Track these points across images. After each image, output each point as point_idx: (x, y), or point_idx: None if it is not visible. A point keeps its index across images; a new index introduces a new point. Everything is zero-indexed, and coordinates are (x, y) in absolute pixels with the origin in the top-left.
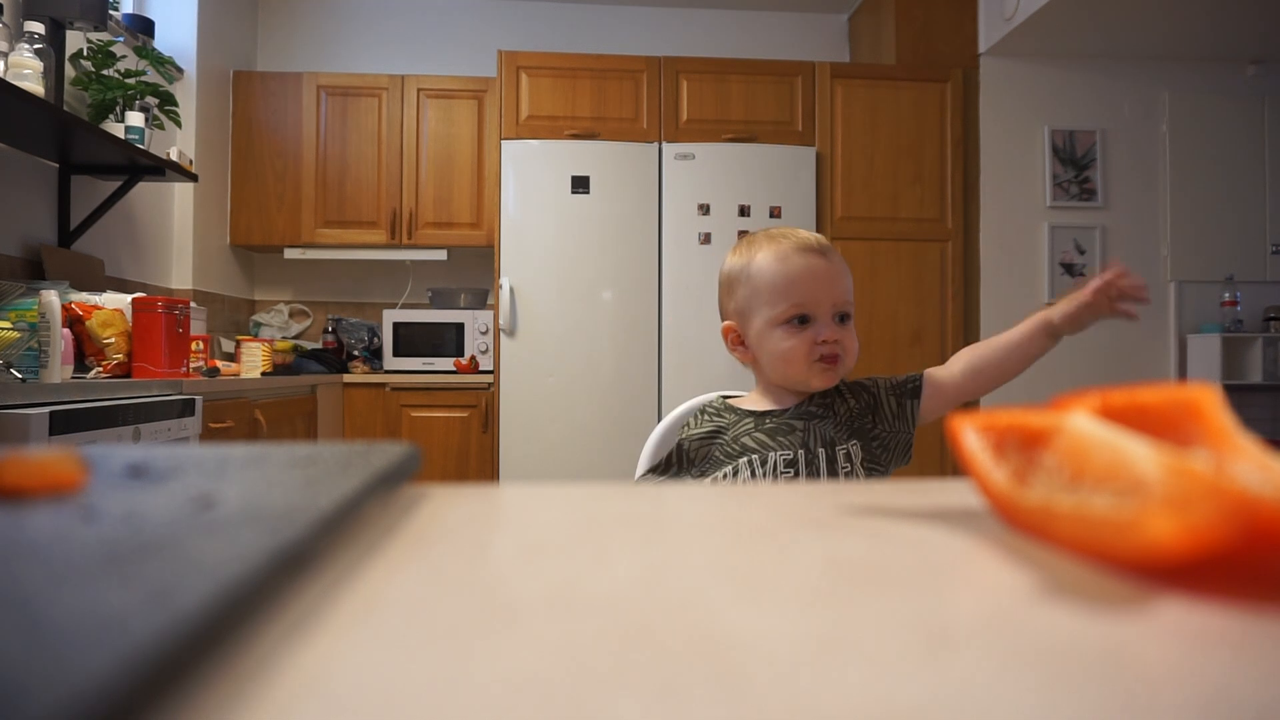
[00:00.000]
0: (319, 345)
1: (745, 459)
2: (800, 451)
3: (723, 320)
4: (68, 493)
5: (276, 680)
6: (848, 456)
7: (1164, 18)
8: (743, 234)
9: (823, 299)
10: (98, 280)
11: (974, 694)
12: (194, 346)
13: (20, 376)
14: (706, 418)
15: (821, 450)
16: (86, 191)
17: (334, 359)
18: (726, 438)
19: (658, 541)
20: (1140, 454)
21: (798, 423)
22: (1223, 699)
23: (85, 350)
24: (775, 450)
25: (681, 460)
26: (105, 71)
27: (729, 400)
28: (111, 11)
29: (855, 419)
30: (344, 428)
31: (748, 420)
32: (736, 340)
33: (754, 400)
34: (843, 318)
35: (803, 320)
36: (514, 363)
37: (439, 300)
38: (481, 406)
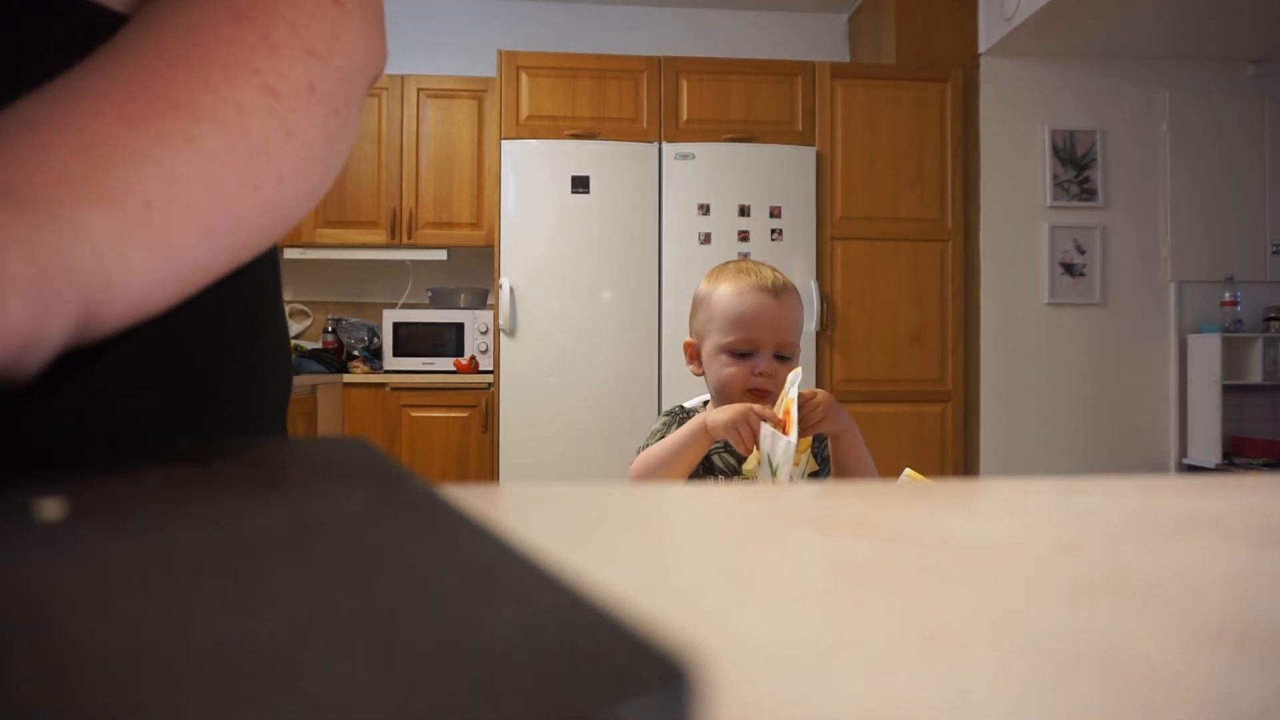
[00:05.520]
0: (319, 345)
1: (713, 477)
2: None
3: (689, 335)
4: None
5: None
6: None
7: (1164, 17)
8: (743, 234)
9: (766, 338)
10: None
11: (974, 694)
12: None
13: None
14: (677, 424)
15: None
16: None
17: (334, 359)
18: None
19: (658, 541)
20: None
21: None
22: (1223, 699)
23: None
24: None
25: None
26: None
27: (688, 409)
28: None
29: None
30: (344, 428)
31: None
32: (694, 355)
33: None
34: (783, 356)
35: (746, 353)
36: (514, 363)
37: (439, 300)
38: (481, 406)
